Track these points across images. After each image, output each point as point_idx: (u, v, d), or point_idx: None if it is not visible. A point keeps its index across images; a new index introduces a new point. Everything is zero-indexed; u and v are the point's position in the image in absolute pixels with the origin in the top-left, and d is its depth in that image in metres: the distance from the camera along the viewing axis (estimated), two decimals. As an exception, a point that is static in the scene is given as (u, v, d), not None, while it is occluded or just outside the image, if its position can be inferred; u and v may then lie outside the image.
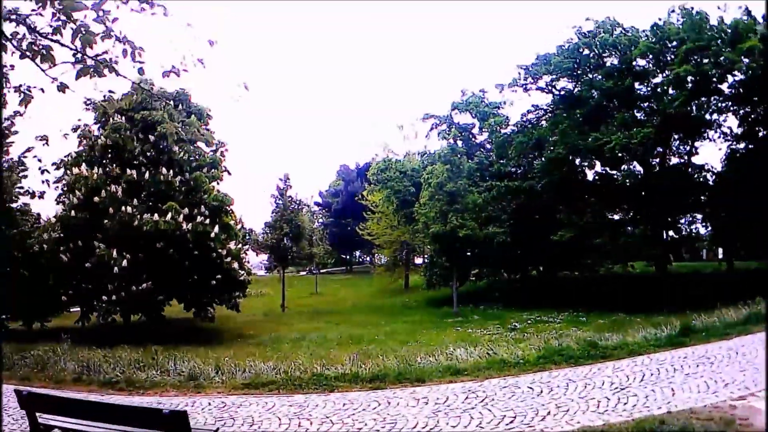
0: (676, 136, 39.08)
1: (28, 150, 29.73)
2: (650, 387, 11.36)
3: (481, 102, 47.20)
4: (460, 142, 46.24)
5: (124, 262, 26.79)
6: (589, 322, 27.97)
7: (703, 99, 36.14)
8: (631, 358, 14.25)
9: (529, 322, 30.03)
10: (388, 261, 62.30)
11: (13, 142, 29.78)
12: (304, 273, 77.25)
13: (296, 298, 54.07)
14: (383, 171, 50.35)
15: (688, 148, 39.43)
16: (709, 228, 40.82)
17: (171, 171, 29.78)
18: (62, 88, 7.78)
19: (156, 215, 27.59)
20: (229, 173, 34.45)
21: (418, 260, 65.38)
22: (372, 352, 18.68)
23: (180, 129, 30.28)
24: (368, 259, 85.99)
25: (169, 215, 27.70)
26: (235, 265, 30.59)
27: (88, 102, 30.82)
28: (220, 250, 29.73)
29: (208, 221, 28.98)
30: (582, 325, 26.61)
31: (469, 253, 41.72)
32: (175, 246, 28.06)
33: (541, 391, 11.85)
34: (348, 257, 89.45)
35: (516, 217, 41.44)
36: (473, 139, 49.43)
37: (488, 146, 48.02)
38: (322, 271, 78.84)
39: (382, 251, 62.37)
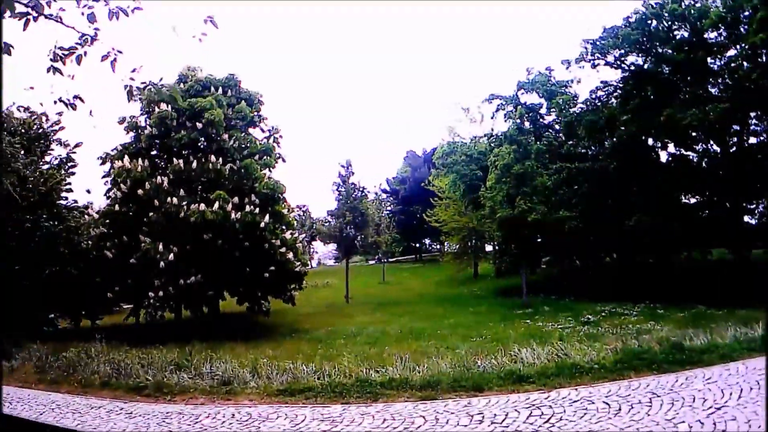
0: (752, 114, 35.60)
1: (77, 146, 28.91)
2: (751, 406, 8.89)
3: (548, 80, 44.20)
4: (527, 123, 43.74)
5: (171, 256, 25.38)
6: (667, 315, 25.06)
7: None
8: (723, 365, 11.76)
9: (603, 314, 27.15)
10: (457, 249, 59.51)
11: (60, 140, 29.08)
12: (373, 262, 75.84)
13: (363, 287, 52.22)
14: (448, 155, 48.15)
15: (766, 125, 35.91)
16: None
17: (220, 159, 28.25)
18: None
19: (203, 205, 26.01)
20: (284, 160, 32.75)
21: (489, 248, 62.86)
22: (430, 349, 17.42)
23: (229, 115, 28.72)
24: (437, 247, 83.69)
25: (216, 205, 26.08)
26: (290, 255, 28.93)
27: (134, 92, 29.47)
28: (273, 241, 28.14)
29: (257, 210, 27.34)
30: (660, 319, 23.55)
31: (539, 240, 39.36)
32: (223, 237, 26.54)
33: (620, 409, 9.56)
34: (417, 245, 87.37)
35: (587, 201, 38.64)
36: (541, 120, 46.74)
37: (557, 127, 45.14)
38: (391, 260, 77.66)
39: (450, 239, 60.16)
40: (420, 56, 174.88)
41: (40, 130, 28.28)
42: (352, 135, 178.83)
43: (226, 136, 29.10)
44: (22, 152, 25.77)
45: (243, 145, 30.12)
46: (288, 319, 33.33)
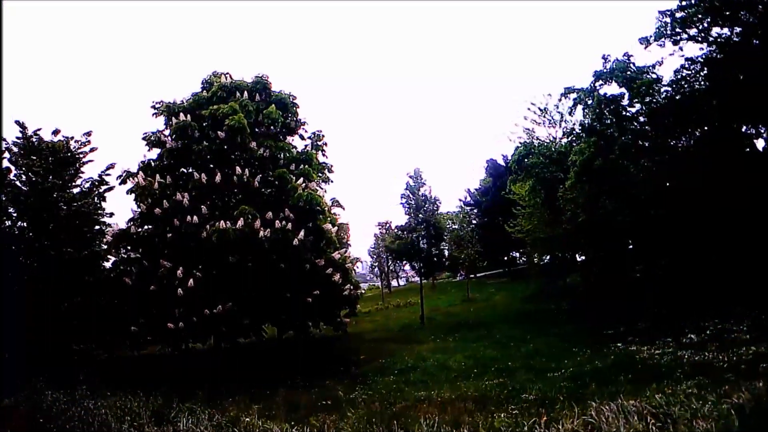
0: None
1: (110, 167, 25.76)
2: None
3: (627, 67, 38.22)
4: (607, 116, 38.07)
5: (190, 282, 21.47)
6: None
7: None
8: None
9: (707, 332, 21.65)
10: (545, 260, 54.10)
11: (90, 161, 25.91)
12: (461, 277, 70.83)
13: (446, 305, 48.10)
14: (525, 157, 42.69)
15: None
16: None
17: (246, 170, 24.02)
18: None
19: (225, 222, 21.83)
20: (330, 170, 28.29)
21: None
22: (489, 393, 14.92)
23: (260, 121, 24.66)
24: (525, 259, 77.90)
25: (241, 221, 21.76)
26: (337, 277, 24.58)
27: (157, 105, 25.83)
28: (317, 261, 23.76)
29: (289, 226, 22.99)
30: None
31: (631, 245, 34.04)
32: (252, 258, 22.33)
33: None
34: (505, 258, 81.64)
35: (677, 198, 32.96)
36: (623, 112, 41.00)
37: (641, 119, 39.12)
38: (479, 274, 72.80)
39: (535, 250, 54.74)
40: (491, 59, 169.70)
41: (68, 154, 24.98)
42: (432, 149, 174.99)
43: (254, 144, 24.76)
44: (50, 176, 23.82)
45: (276, 154, 25.89)
46: (352, 344, 29.50)
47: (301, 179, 24.97)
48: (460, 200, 78.65)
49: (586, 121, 35.32)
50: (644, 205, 31.97)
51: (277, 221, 22.93)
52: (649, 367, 15.96)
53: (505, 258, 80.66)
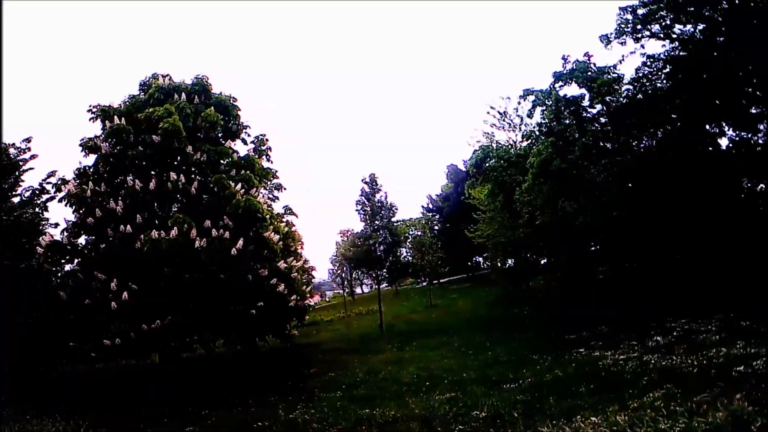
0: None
1: (51, 175, 24.13)
2: None
3: (588, 67, 37.28)
4: (568, 117, 37.13)
5: (125, 295, 19.88)
6: (759, 330, 18.24)
7: None
8: None
9: (675, 333, 20.59)
10: (508, 265, 53.22)
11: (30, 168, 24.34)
12: (425, 283, 69.71)
13: (408, 312, 46.87)
14: (483, 161, 41.43)
15: None
16: None
17: (182, 176, 22.53)
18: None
19: (159, 232, 20.23)
20: (275, 176, 26.98)
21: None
22: (440, 411, 13.83)
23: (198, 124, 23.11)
24: (489, 264, 76.99)
25: (174, 231, 20.15)
26: (282, 287, 23.25)
27: (93, 109, 24.14)
28: (260, 271, 22.51)
29: (227, 234, 21.58)
30: (753, 338, 16.74)
31: (594, 247, 33.92)
32: (190, 269, 20.68)
33: None
34: (469, 263, 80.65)
35: (639, 198, 32.14)
36: (584, 113, 40.05)
37: (602, 120, 38.14)
38: (442, 280, 72.34)
39: (497, 254, 53.73)
40: (449, 61, 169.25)
41: (6, 161, 23.76)
42: (392, 156, 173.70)
43: (190, 149, 23.21)
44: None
45: (215, 159, 24.42)
46: (308, 356, 28.24)
47: (240, 185, 23.37)
48: (422, 206, 78.65)
49: (544, 122, 34.27)
50: (607, 207, 31.07)
51: (215, 230, 21.43)
52: (613, 375, 14.94)
53: (469, 263, 79.94)
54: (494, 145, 42.68)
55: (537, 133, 35.62)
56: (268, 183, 27.25)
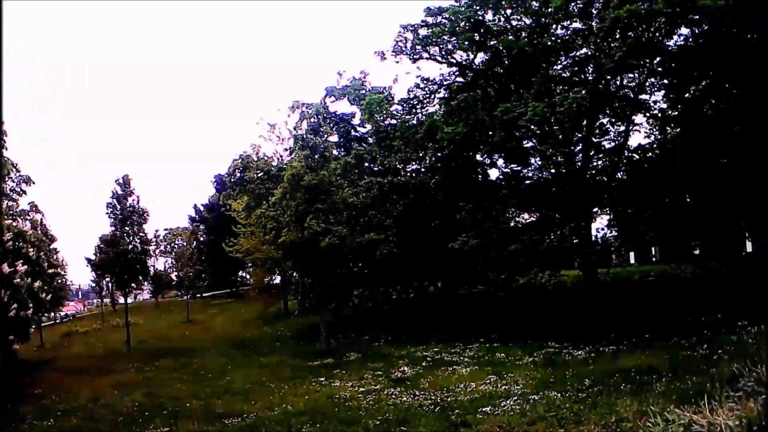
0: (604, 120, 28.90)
1: None
2: None
3: (362, 85, 35.49)
4: (335, 136, 35.59)
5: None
6: (511, 359, 20.32)
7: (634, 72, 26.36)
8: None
9: (425, 364, 21.45)
10: (265, 282, 52.29)
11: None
12: (189, 297, 65.42)
13: (164, 328, 46.47)
14: (243, 172, 38.41)
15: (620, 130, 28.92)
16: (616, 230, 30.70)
17: None
18: None
19: None
20: (17, 168, 24.35)
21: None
22: None
23: None
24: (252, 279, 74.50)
25: None
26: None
27: None
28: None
29: None
30: (502, 367, 18.77)
31: (354, 269, 33.78)
32: None
33: None
34: (234, 278, 77.27)
35: (405, 222, 30.59)
36: (353, 131, 38.26)
37: (371, 139, 36.49)
38: (205, 294, 70.92)
39: (255, 271, 52.00)
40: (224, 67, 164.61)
41: None
42: (166, 159, 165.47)
43: None
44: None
45: None
46: (40, 373, 26.60)
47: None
48: (188, 216, 76.82)
49: (300, 135, 32.20)
50: (364, 229, 29.46)
51: None
52: (348, 411, 14.69)
53: (233, 277, 76.76)
54: (255, 157, 39.75)
55: (294, 146, 33.64)
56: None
